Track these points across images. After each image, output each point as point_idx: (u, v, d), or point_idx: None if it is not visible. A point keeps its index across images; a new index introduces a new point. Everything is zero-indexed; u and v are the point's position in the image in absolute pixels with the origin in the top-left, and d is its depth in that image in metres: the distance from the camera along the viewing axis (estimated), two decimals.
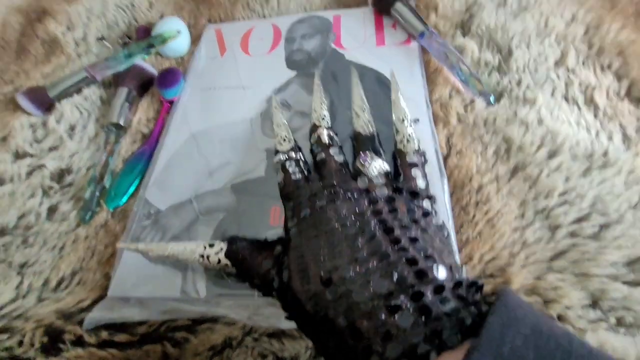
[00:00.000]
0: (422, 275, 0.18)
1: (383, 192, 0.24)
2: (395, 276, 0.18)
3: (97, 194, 0.31)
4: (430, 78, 0.35)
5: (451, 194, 0.28)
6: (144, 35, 0.42)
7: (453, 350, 0.15)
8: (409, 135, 0.27)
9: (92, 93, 0.38)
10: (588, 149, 0.27)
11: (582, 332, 0.23)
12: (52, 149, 0.35)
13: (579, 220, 0.25)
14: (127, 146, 0.35)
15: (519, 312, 0.14)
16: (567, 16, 0.35)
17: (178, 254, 0.25)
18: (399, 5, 0.38)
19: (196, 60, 0.40)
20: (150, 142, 0.35)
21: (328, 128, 0.29)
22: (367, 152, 0.26)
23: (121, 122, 0.36)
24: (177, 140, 0.34)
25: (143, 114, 0.37)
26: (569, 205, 0.26)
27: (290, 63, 0.38)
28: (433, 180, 0.28)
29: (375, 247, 0.19)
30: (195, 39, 0.43)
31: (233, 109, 0.35)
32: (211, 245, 0.24)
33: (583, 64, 0.32)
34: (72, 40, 0.44)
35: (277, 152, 0.29)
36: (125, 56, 0.38)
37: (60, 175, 0.33)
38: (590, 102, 0.30)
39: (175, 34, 0.40)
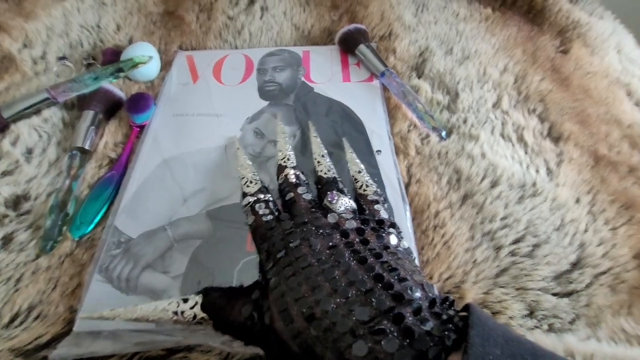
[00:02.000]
0: (399, 297, 0.19)
1: (352, 224, 0.25)
2: (374, 302, 0.18)
3: (60, 222, 0.30)
4: (391, 113, 0.39)
5: (412, 219, 0.31)
6: (111, 58, 0.42)
7: None
8: (367, 181, 0.30)
9: (53, 115, 0.37)
10: (521, 180, 0.33)
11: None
12: (6, 173, 0.33)
13: (517, 241, 0.30)
14: (92, 171, 0.34)
15: (490, 324, 0.16)
16: (501, 67, 0.42)
17: (149, 315, 0.23)
18: (362, 47, 0.42)
19: (167, 86, 0.41)
20: (119, 167, 0.34)
21: (294, 168, 0.30)
22: (333, 191, 0.27)
23: (86, 147, 0.35)
24: (149, 166, 0.34)
25: (110, 138, 0.36)
26: (509, 228, 0.30)
27: (263, 93, 0.41)
28: (397, 206, 0.31)
29: (352, 277, 0.20)
30: (165, 65, 0.43)
31: (207, 136, 0.36)
32: (185, 300, 0.23)
33: (514, 107, 0.38)
34: (29, 58, 0.42)
35: (244, 194, 0.29)
36: (91, 79, 0.38)
37: (15, 202, 0.31)
38: (521, 140, 0.36)
39: (147, 59, 0.40)
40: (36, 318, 0.26)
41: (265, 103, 0.40)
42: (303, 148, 0.35)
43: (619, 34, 0.46)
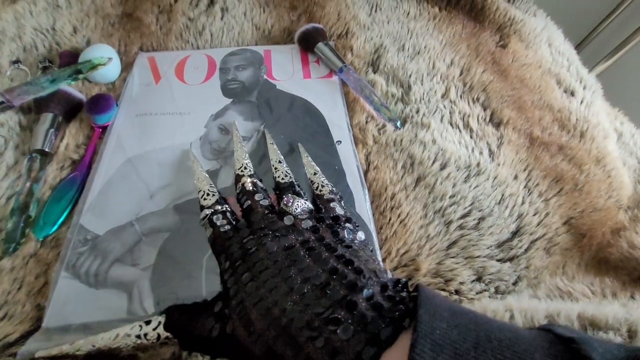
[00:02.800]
0: (352, 286, 0.19)
1: (307, 224, 0.25)
2: (329, 294, 0.19)
3: (22, 224, 0.30)
4: (350, 106, 0.41)
5: (371, 202, 0.34)
6: (68, 61, 0.41)
7: (394, 346, 0.17)
8: (323, 181, 0.31)
9: (10, 119, 0.36)
10: (467, 161, 0.36)
11: (472, 301, 0.29)
12: None
13: (464, 216, 0.33)
14: (54, 173, 0.34)
15: (437, 300, 0.17)
16: (448, 61, 0.45)
17: (110, 343, 0.23)
18: (320, 45, 0.44)
19: (129, 87, 0.41)
20: (82, 168, 0.34)
21: (251, 176, 0.30)
22: (289, 195, 0.28)
23: (46, 149, 0.34)
24: (113, 165, 0.34)
25: (72, 139, 0.36)
26: (457, 205, 0.33)
27: (226, 91, 0.42)
28: (357, 191, 0.33)
29: (307, 274, 0.21)
30: (126, 66, 0.43)
31: (171, 134, 0.37)
32: (147, 323, 0.23)
33: (461, 97, 0.42)
34: None
35: (202, 208, 0.29)
36: (48, 81, 0.37)
37: None
38: (467, 126, 0.40)
39: (106, 60, 0.40)
40: (2, 318, 0.26)
41: (228, 100, 0.41)
42: (265, 145, 0.37)
43: (549, 29, 0.51)
